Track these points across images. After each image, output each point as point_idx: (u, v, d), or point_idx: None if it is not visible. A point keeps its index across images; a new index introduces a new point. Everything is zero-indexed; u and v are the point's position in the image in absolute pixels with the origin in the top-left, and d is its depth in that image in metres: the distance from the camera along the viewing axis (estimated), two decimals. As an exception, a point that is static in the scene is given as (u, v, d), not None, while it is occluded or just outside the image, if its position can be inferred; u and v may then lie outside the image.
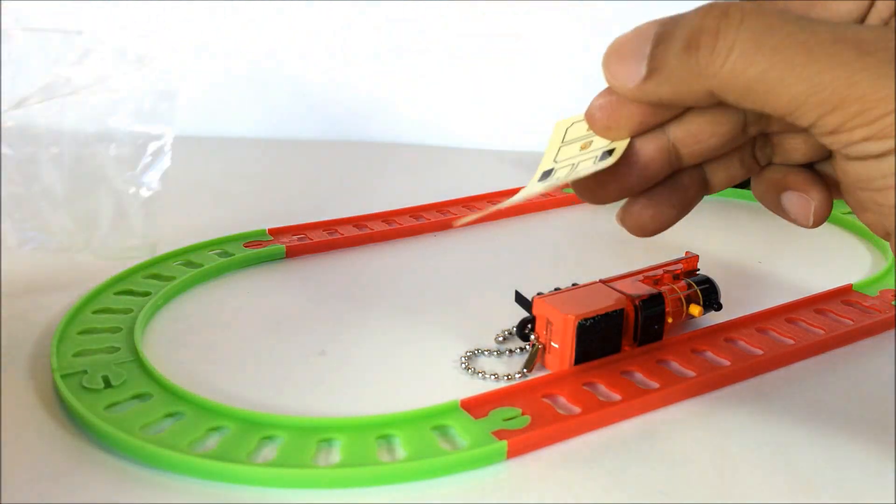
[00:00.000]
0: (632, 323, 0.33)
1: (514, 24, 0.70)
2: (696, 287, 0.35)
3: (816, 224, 0.26)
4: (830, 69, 0.21)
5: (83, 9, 0.76)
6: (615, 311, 0.32)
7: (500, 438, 0.27)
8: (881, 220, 0.23)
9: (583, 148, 0.27)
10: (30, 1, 0.76)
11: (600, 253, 0.46)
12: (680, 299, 0.34)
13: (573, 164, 0.26)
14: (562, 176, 0.26)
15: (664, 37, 0.23)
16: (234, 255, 0.43)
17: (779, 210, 0.27)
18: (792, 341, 0.34)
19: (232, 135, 0.74)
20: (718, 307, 0.35)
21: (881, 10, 0.25)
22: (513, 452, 0.27)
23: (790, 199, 0.27)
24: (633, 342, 0.33)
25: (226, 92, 0.75)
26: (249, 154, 0.68)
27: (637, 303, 0.33)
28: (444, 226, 0.50)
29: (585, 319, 0.31)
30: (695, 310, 0.34)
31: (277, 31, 0.73)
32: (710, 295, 0.35)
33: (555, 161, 0.27)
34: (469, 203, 0.53)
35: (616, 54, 0.24)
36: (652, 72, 0.23)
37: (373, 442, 0.27)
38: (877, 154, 0.22)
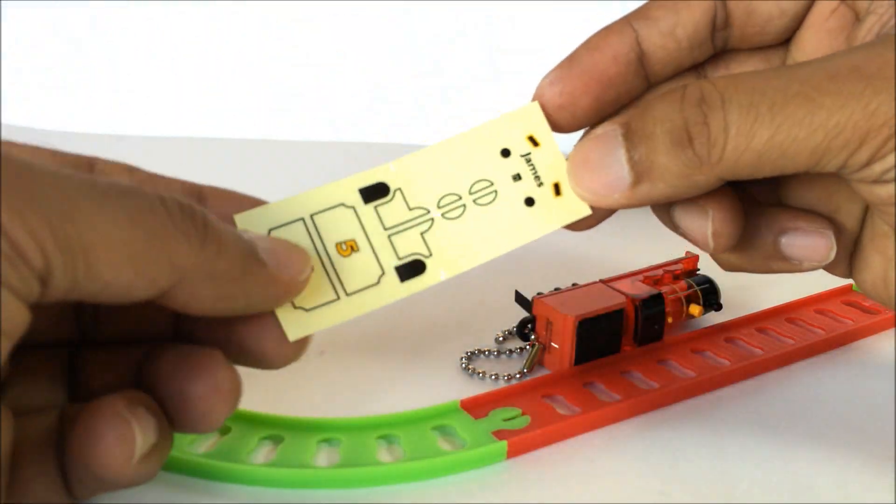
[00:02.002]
0: (632, 323, 0.33)
1: (514, 24, 0.70)
2: (696, 287, 0.35)
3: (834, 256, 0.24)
4: (840, 108, 0.20)
5: (82, 9, 0.76)
6: (615, 311, 0.32)
7: (500, 438, 0.27)
8: None
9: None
10: (30, 1, 0.76)
11: (600, 253, 0.46)
12: (680, 299, 0.34)
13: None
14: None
15: (640, 136, 0.21)
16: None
17: (774, 262, 0.25)
18: (792, 341, 0.34)
19: (232, 135, 0.74)
20: (718, 307, 0.35)
21: (822, 10, 0.24)
22: (513, 452, 0.27)
23: (794, 242, 0.24)
24: (633, 342, 0.33)
25: (226, 92, 0.75)
26: (249, 154, 0.68)
27: (637, 303, 0.33)
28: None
29: (585, 319, 0.31)
30: (695, 310, 0.34)
31: (277, 32, 0.73)
32: (710, 295, 0.35)
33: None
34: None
35: (583, 168, 0.22)
36: (641, 176, 0.21)
37: (373, 442, 0.27)
38: None
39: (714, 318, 0.36)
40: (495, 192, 0.22)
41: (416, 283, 0.21)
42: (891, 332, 0.36)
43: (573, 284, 0.34)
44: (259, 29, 0.74)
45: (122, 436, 0.18)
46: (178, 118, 0.76)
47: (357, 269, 0.21)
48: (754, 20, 0.24)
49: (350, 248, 0.21)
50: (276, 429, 0.28)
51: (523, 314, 0.33)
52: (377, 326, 0.37)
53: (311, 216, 0.21)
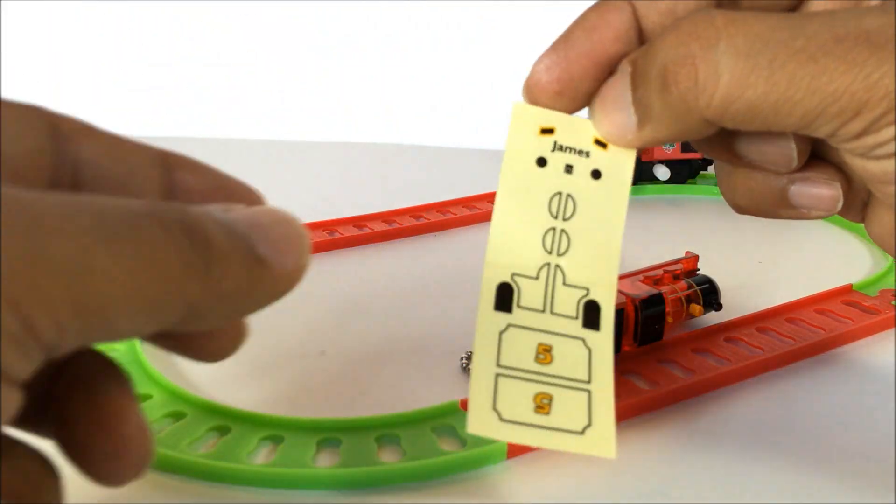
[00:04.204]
0: (632, 323, 0.33)
1: (514, 24, 0.70)
2: (696, 287, 0.35)
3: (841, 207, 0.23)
4: (842, 74, 0.19)
5: (82, 9, 0.76)
6: (615, 310, 0.32)
7: (500, 438, 0.27)
8: None
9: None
10: (30, 1, 0.76)
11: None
12: (680, 299, 0.34)
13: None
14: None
15: (641, 76, 0.20)
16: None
17: (782, 210, 0.24)
18: (792, 341, 0.34)
19: (232, 135, 0.74)
20: (718, 307, 0.35)
21: None
22: (513, 452, 0.27)
23: (802, 191, 0.23)
24: (633, 342, 0.33)
25: (226, 92, 0.75)
26: (249, 155, 0.68)
27: (637, 303, 0.33)
28: (444, 226, 0.50)
29: None
30: (695, 310, 0.34)
31: (277, 32, 0.73)
32: (710, 295, 0.35)
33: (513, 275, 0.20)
34: (469, 203, 0.53)
35: (601, 106, 0.21)
36: (642, 118, 0.20)
37: (373, 442, 0.27)
38: None
39: (714, 318, 0.36)
40: (568, 196, 0.21)
41: (604, 321, 0.20)
42: (891, 332, 0.36)
43: None
44: (259, 29, 0.74)
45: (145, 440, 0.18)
46: (179, 118, 0.76)
47: (566, 363, 0.20)
48: None
49: (545, 351, 0.20)
50: (276, 429, 0.28)
51: None
52: (377, 326, 0.37)
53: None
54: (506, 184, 0.20)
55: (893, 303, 0.38)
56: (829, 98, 0.19)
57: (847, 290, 0.39)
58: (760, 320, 0.36)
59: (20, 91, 0.78)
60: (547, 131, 0.21)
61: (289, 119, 0.75)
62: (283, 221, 0.19)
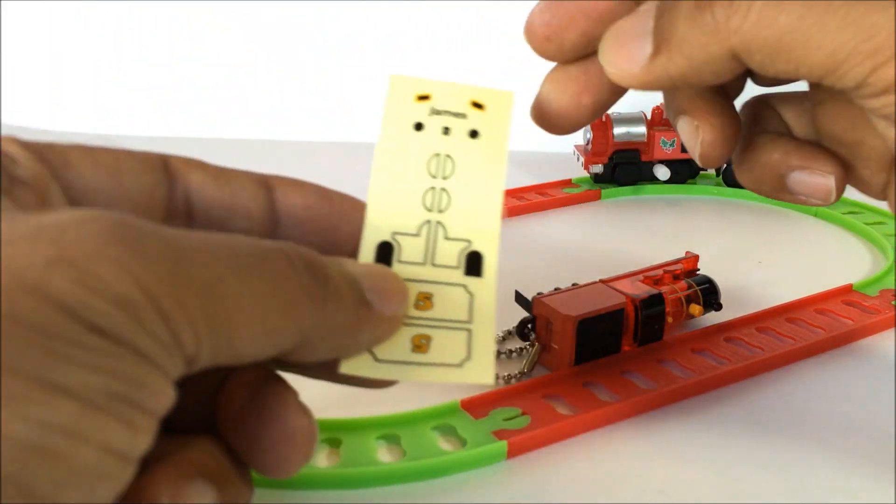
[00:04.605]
0: (632, 323, 0.33)
1: (514, 25, 0.70)
2: (696, 287, 0.35)
3: (837, 197, 0.23)
4: (884, 7, 0.17)
5: (82, 9, 0.76)
6: (615, 310, 0.32)
7: (500, 438, 0.27)
8: None
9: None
10: (30, 1, 0.76)
11: (600, 253, 0.46)
12: (680, 299, 0.34)
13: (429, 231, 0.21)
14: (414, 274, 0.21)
15: (668, 6, 0.20)
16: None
17: (781, 194, 0.24)
18: (792, 341, 0.34)
19: (232, 135, 0.74)
20: (718, 307, 0.35)
21: None
22: (513, 452, 0.27)
23: (800, 180, 0.23)
24: (633, 342, 0.33)
25: (226, 92, 0.75)
26: (249, 155, 0.68)
27: (637, 303, 0.33)
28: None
29: (585, 319, 0.31)
30: (695, 310, 0.34)
31: (277, 32, 0.73)
32: (710, 295, 0.35)
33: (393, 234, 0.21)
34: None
35: (614, 40, 0.21)
36: (659, 46, 0.20)
37: (373, 442, 0.27)
38: None
39: (714, 318, 0.36)
40: (446, 156, 0.22)
41: (486, 268, 0.21)
42: (891, 332, 0.36)
43: (573, 284, 0.34)
44: (259, 29, 0.74)
45: (309, 435, 0.19)
46: (179, 118, 0.76)
47: (446, 308, 0.21)
48: None
49: (424, 298, 0.21)
50: (277, 429, 0.28)
51: (523, 314, 0.33)
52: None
53: None
54: (382, 150, 0.22)
55: (893, 303, 0.38)
56: (865, 33, 0.18)
57: (847, 289, 0.39)
58: (760, 320, 0.36)
59: (20, 91, 0.78)
60: (423, 97, 0.22)
61: (289, 119, 0.75)
62: (388, 276, 0.20)
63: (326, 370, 0.20)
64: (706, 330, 0.35)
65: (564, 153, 0.59)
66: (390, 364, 0.20)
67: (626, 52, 0.21)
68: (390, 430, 0.28)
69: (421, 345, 0.20)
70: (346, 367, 0.20)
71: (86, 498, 0.14)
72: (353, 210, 0.22)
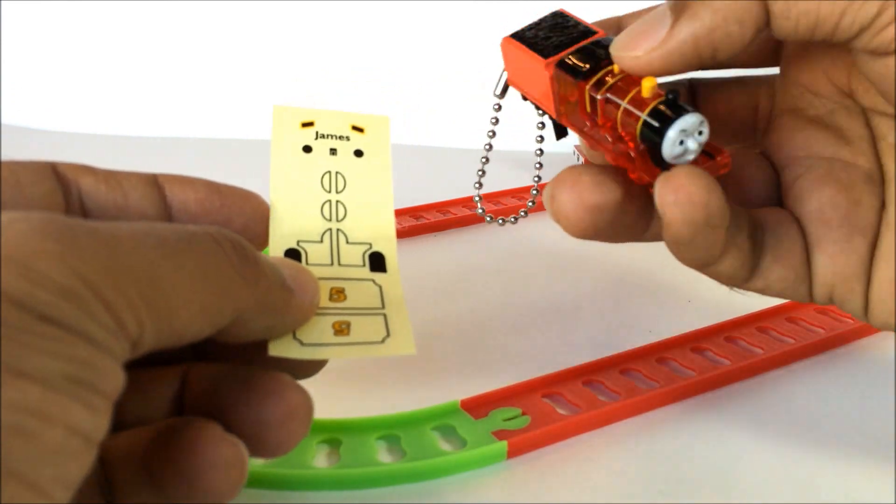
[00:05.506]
0: None
1: (514, 25, 0.70)
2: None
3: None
4: None
5: (82, 9, 0.76)
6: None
7: (500, 438, 0.27)
8: None
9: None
10: (30, 1, 0.76)
11: (600, 252, 0.46)
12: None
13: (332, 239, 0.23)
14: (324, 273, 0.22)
15: None
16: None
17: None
18: (792, 341, 0.34)
19: (232, 135, 0.74)
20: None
21: None
22: (513, 452, 0.27)
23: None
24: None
25: (226, 92, 0.75)
26: (249, 155, 0.68)
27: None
28: (444, 226, 0.50)
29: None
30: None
31: (277, 32, 0.73)
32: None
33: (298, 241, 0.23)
34: (469, 203, 0.53)
35: (631, 34, 0.21)
36: (681, 11, 0.20)
37: (373, 442, 0.27)
38: None
39: (714, 317, 0.36)
40: (337, 173, 0.24)
41: (389, 265, 0.23)
42: (891, 332, 0.36)
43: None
44: (258, 29, 0.74)
45: (236, 463, 0.20)
46: (179, 118, 0.76)
47: (359, 298, 0.23)
48: None
49: (338, 292, 0.23)
50: (276, 429, 0.28)
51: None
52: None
53: None
54: (276, 171, 0.24)
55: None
56: None
57: (847, 289, 0.39)
58: (760, 320, 0.36)
59: (20, 91, 0.78)
60: (308, 124, 0.25)
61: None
62: (300, 268, 0.22)
63: (260, 357, 0.21)
64: (706, 330, 0.35)
65: (565, 153, 0.60)
66: (315, 346, 0.21)
67: (642, 36, 0.21)
68: (390, 430, 0.28)
69: (342, 329, 0.22)
70: (274, 350, 0.21)
71: (60, 475, 0.14)
72: (243, 201, 0.23)
